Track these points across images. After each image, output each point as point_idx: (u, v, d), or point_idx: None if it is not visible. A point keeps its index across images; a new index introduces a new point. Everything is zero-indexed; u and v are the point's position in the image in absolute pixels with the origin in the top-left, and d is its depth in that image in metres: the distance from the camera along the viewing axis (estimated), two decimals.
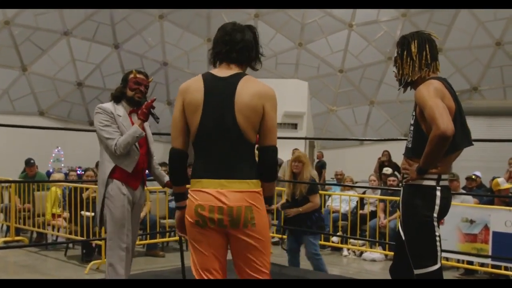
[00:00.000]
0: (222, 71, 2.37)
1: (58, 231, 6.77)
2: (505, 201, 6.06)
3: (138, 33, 14.20)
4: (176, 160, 2.40)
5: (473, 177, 7.95)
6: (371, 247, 6.97)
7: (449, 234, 5.49)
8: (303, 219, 5.11)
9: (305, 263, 5.32)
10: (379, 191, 7.53)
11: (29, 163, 8.17)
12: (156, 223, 6.60)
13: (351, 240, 7.05)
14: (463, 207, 5.81)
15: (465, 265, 5.82)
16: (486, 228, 5.52)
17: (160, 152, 9.05)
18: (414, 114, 2.68)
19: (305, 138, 11.98)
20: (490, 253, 5.47)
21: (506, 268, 5.49)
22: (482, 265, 5.79)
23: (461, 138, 2.62)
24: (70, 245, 6.68)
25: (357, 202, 7.49)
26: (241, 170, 2.29)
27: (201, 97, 2.31)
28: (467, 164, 10.00)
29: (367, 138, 14.71)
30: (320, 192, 6.29)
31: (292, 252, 5.26)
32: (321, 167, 11.84)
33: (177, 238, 5.75)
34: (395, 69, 2.80)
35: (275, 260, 4.81)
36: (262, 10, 14.14)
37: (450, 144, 2.48)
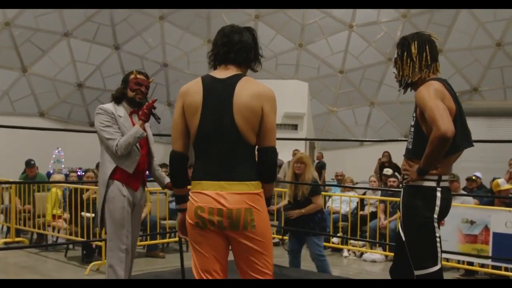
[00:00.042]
0: (221, 73, 2.37)
1: (58, 232, 6.77)
2: (505, 202, 6.06)
3: (138, 34, 14.22)
4: (176, 163, 2.41)
5: (473, 178, 7.94)
6: (371, 248, 6.96)
7: (449, 235, 5.48)
8: (306, 220, 5.08)
9: (305, 264, 5.31)
10: (379, 192, 7.52)
11: (29, 164, 8.15)
12: (156, 224, 6.61)
13: (351, 241, 7.04)
14: (463, 208, 5.81)
15: (466, 266, 5.81)
16: (486, 229, 5.51)
17: (160, 153, 9.04)
18: (414, 115, 2.68)
19: (305, 139, 11.98)
20: (490, 254, 5.47)
21: (506, 269, 5.48)
22: (482, 266, 5.79)
23: (462, 139, 2.62)
24: (71, 246, 6.69)
25: (357, 203, 7.49)
26: (240, 172, 2.28)
27: (200, 99, 2.31)
28: (467, 165, 10.01)
29: (367, 139, 14.72)
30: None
31: (293, 253, 5.23)
32: (321, 167, 11.82)
33: (177, 239, 5.74)
34: (395, 70, 2.80)
35: (276, 261, 4.77)
36: (262, 11, 14.14)
37: (450, 145, 2.47)
